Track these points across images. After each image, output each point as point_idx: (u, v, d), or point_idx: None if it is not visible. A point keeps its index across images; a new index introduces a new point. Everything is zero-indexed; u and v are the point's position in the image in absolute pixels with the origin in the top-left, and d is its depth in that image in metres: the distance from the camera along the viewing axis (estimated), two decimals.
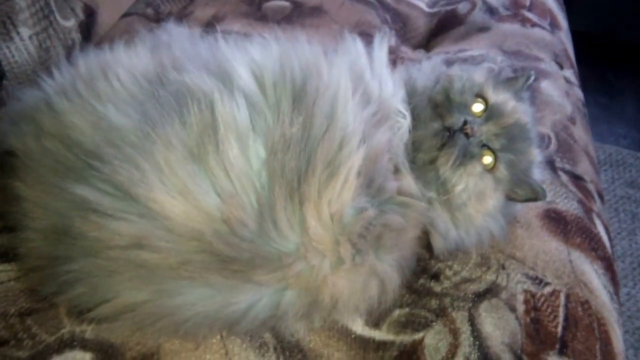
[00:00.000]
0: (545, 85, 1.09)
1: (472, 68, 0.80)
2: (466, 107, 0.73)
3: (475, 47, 1.17)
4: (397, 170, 0.71)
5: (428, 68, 0.81)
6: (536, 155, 0.76)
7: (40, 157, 0.67)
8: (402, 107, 0.74)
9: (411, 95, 0.76)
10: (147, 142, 0.61)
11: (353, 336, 0.69)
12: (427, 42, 1.26)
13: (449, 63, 0.87)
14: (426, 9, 1.31)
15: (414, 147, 0.72)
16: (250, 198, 0.61)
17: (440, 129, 0.71)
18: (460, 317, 0.69)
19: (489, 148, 0.72)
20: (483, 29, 1.23)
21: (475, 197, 0.72)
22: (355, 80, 0.72)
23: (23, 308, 0.65)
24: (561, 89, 1.10)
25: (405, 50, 1.19)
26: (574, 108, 1.08)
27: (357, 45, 0.78)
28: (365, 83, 0.73)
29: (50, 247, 0.64)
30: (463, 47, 1.17)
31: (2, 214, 0.71)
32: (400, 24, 1.25)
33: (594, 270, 0.80)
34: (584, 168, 0.96)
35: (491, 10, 1.27)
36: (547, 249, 0.79)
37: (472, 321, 0.69)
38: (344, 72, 0.71)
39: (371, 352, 0.68)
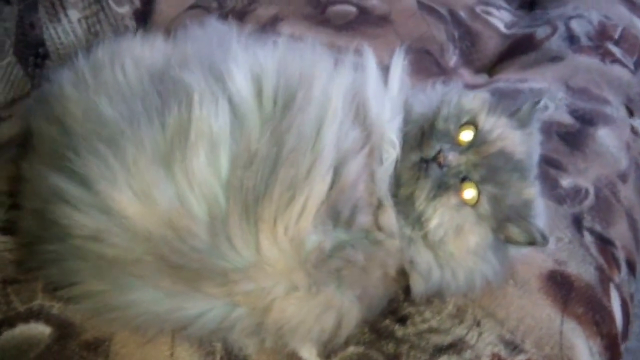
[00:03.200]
0: (604, 133, 1.02)
1: (468, 93, 0.76)
2: (448, 135, 0.70)
3: (539, 78, 1.11)
4: (380, 204, 0.69)
5: (436, 94, 0.78)
6: (531, 193, 0.71)
7: (44, 140, 0.73)
8: (396, 136, 0.71)
9: (406, 122, 0.73)
10: (122, 140, 0.64)
11: None
12: (493, 66, 1.20)
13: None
14: (503, 30, 1.26)
15: (396, 181, 0.70)
16: (204, 209, 0.62)
17: (417, 161, 0.69)
18: None
19: (471, 180, 0.68)
20: (555, 58, 1.17)
21: (453, 232, 0.68)
22: (352, 98, 0.71)
23: (8, 277, 0.72)
24: (622, 140, 1.02)
25: (464, 73, 1.15)
26: (631, 164, 1.00)
27: (369, 61, 0.76)
28: (363, 103, 0.72)
29: (35, 227, 0.70)
30: (525, 77, 1.12)
31: (13, 191, 0.77)
32: (467, 43, 1.21)
33: (587, 347, 0.75)
34: (619, 232, 0.90)
35: (571, 39, 1.19)
36: (536, 314, 0.75)
37: None
38: (339, 88, 0.70)
39: None
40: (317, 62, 0.74)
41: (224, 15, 1.16)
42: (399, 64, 0.78)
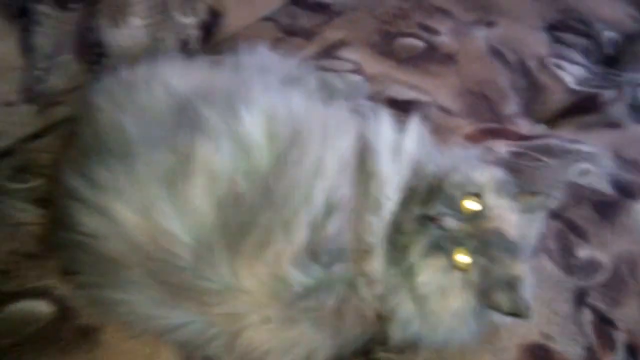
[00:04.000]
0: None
1: (480, 166, 0.80)
2: (452, 201, 0.74)
3: (592, 142, 1.08)
4: (369, 251, 0.73)
5: (451, 157, 0.82)
6: (521, 270, 0.74)
7: (79, 136, 0.83)
8: (394, 190, 0.76)
9: (417, 176, 0.78)
10: (135, 158, 0.72)
11: None
12: (555, 119, 1.18)
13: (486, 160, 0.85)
14: (570, 85, 1.24)
15: (395, 228, 0.74)
16: (193, 234, 0.69)
17: (419, 215, 0.73)
18: None
19: (465, 247, 0.72)
20: (613, 124, 1.15)
21: (439, 292, 0.73)
22: (359, 150, 0.78)
23: (28, 251, 0.81)
24: None
25: (520, 123, 1.15)
26: None
27: (385, 117, 0.82)
28: (371, 154, 0.78)
29: (57, 210, 0.79)
30: (578, 138, 1.10)
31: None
32: (531, 94, 1.21)
33: None
34: (626, 313, 0.88)
35: (635, 108, 1.15)
36: None
37: None
38: (339, 147, 0.76)
39: None
40: (329, 119, 0.80)
41: (291, 33, 1.21)
42: (416, 124, 0.81)
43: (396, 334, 0.75)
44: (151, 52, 1.03)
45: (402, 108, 1.08)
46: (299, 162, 0.73)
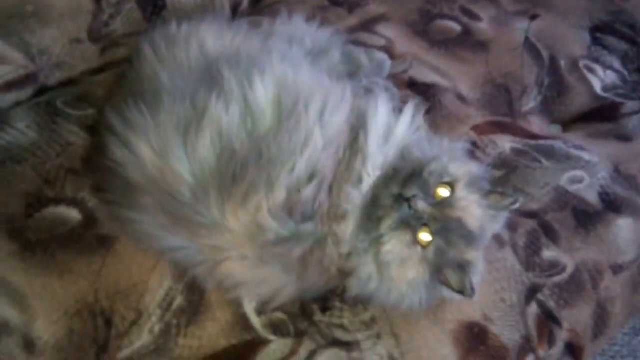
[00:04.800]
0: (624, 224, 1.07)
1: (460, 160, 0.90)
2: (427, 186, 0.85)
3: (595, 151, 1.16)
4: (343, 216, 0.86)
5: (437, 147, 0.93)
6: (473, 256, 0.86)
7: (126, 76, 0.98)
8: (375, 168, 0.88)
9: (403, 158, 0.90)
10: (161, 105, 0.87)
11: (241, 310, 0.90)
12: (570, 123, 1.25)
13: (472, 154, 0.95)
14: (597, 91, 1.30)
15: (372, 201, 0.86)
16: (195, 177, 0.84)
17: (395, 194, 0.85)
18: (307, 347, 0.87)
19: (429, 227, 0.84)
20: (623, 137, 1.20)
21: (399, 261, 0.85)
22: (352, 126, 0.90)
23: (72, 167, 0.98)
24: (639, 234, 1.06)
25: (535, 121, 1.22)
26: (638, 259, 1.05)
27: (383, 102, 0.93)
28: (363, 132, 0.90)
29: (98, 139, 0.96)
30: (584, 145, 1.17)
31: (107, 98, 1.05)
32: (554, 93, 1.27)
33: None
34: (575, 316, 0.98)
35: None
36: (434, 349, 0.89)
37: (311, 356, 0.86)
38: (333, 124, 0.88)
39: (240, 328, 0.89)
40: (331, 95, 0.91)
41: (336, 3, 1.32)
42: (410, 110, 0.92)
43: (353, 289, 0.88)
44: (205, 10, 1.16)
45: (419, 90, 1.18)
46: (291, 132, 0.85)
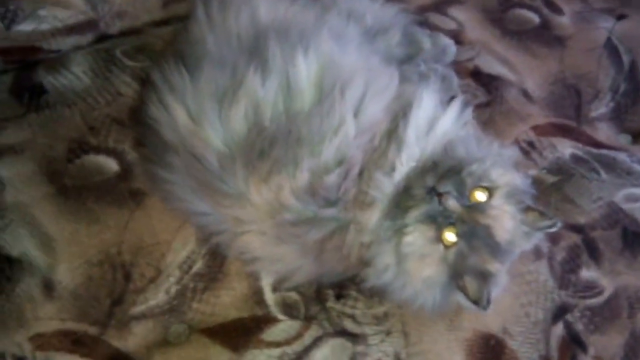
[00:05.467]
0: None
1: (504, 168, 0.86)
2: (463, 186, 0.82)
3: None
4: (370, 203, 0.84)
5: (485, 149, 0.89)
6: (496, 268, 0.82)
7: (178, 38, 0.99)
8: (407, 159, 0.85)
9: (445, 153, 0.86)
10: (202, 71, 0.87)
11: (257, 284, 0.91)
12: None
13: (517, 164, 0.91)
14: None
15: (404, 189, 0.84)
16: (225, 146, 0.84)
17: (429, 186, 0.82)
18: (313, 333, 0.87)
19: (455, 228, 0.81)
20: None
21: (418, 256, 0.82)
22: (395, 114, 0.88)
23: (122, 119, 1.01)
24: None
25: (602, 128, 1.16)
26: None
27: (430, 93, 0.90)
28: (402, 123, 0.87)
29: (145, 93, 0.98)
30: None
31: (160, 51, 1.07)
32: (629, 100, 1.19)
33: None
34: (604, 343, 0.93)
35: None
36: (443, 356, 0.87)
37: (316, 342, 0.86)
38: (368, 112, 0.86)
39: (253, 302, 0.90)
40: (374, 79, 0.88)
41: None
42: (457, 105, 0.90)
43: (370, 279, 0.86)
44: None
45: (482, 81, 1.14)
46: (324, 116, 0.83)
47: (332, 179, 0.82)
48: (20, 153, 0.96)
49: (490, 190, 0.83)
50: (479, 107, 1.10)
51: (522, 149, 1.07)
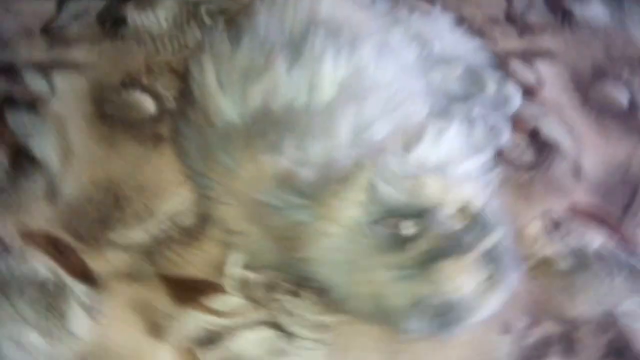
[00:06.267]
0: None
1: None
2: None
3: None
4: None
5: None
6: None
7: (244, 10, 1.05)
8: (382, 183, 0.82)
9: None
10: (242, 48, 0.93)
11: (225, 255, 0.96)
12: None
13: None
14: None
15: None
16: (231, 117, 0.89)
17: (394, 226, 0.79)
18: (251, 316, 0.92)
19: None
20: None
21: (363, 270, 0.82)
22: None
23: (175, 69, 1.10)
24: None
25: None
26: None
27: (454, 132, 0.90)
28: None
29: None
30: None
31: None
32: None
33: None
34: None
35: None
36: None
37: (249, 325, 0.91)
38: (382, 132, 0.87)
39: (215, 270, 0.96)
40: (396, 101, 0.90)
41: (512, 21, 1.24)
42: (487, 181, 0.89)
43: (320, 276, 0.85)
44: None
45: (536, 144, 1.10)
46: (327, 117, 0.85)
47: (309, 175, 0.83)
48: (76, 70, 1.07)
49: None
50: (520, 168, 1.08)
51: (546, 225, 1.02)
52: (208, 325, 0.91)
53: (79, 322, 0.91)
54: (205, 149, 0.91)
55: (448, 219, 0.78)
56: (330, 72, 0.89)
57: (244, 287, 0.93)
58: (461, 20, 1.17)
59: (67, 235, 0.97)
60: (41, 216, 0.98)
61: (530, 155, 1.09)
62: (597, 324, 0.94)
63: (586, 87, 1.17)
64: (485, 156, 0.92)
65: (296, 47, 0.91)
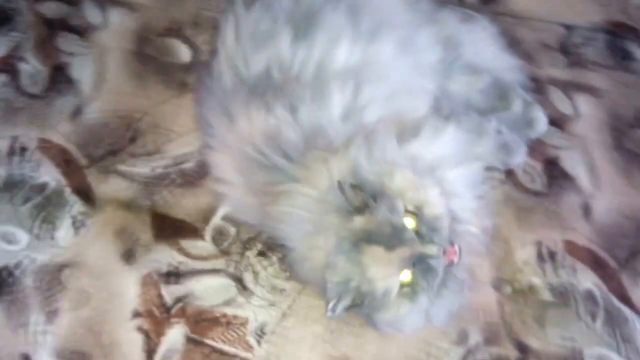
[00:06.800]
0: None
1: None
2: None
3: None
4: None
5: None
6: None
7: None
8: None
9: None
10: (279, 8, 0.96)
11: (216, 206, 1.01)
12: None
13: None
14: None
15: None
16: (242, 73, 0.93)
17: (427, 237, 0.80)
18: (217, 264, 0.96)
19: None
20: None
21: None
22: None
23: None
24: None
25: None
26: None
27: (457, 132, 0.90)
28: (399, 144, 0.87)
29: None
30: None
31: None
32: None
33: None
34: None
35: None
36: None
37: (212, 272, 0.96)
38: (375, 116, 0.89)
39: (202, 216, 1.01)
40: (397, 93, 0.92)
41: (562, 50, 1.22)
42: (472, 170, 0.90)
43: (285, 234, 0.86)
44: None
45: (551, 173, 1.09)
46: (325, 88, 0.88)
47: (294, 136, 0.86)
48: (130, 9, 1.16)
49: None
50: (527, 192, 1.06)
51: (539, 253, 1.00)
52: (177, 263, 0.95)
53: (66, 234, 0.98)
54: (215, 100, 0.96)
55: (395, 212, 0.78)
56: (342, 58, 0.91)
57: (220, 237, 0.98)
58: (513, 40, 1.16)
59: (79, 154, 1.04)
60: (62, 131, 1.05)
61: (541, 183, 1.07)
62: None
63: (622, 132, 1.14)
64: (483, 168, 0.92)
65: (308, 20, 0.93)
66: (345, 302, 0.78)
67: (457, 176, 0.88)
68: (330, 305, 0.77)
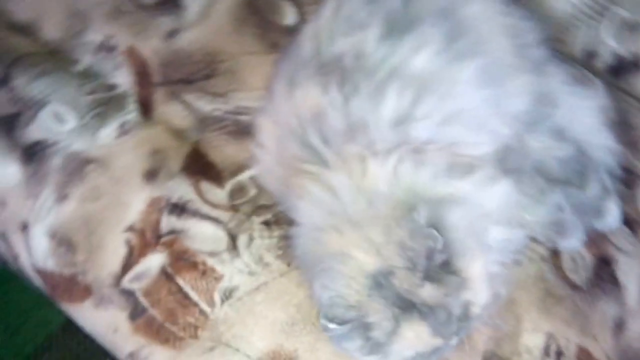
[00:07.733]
0: None
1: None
2: None
3: None
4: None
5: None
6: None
7: None
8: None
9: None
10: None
11: (248, 166, 1.02)
12: None
13: None
14: None
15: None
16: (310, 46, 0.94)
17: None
18: (221, 216, 0.97)
19: None
20: None
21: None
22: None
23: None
24: None
25: None
26: None
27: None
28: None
29: None
30: None
31: None
32: None
33: None
34: None
35: None
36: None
37: (214, 221, 0.97)
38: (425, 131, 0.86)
39: (232, 170, 1.03)
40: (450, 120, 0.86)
41: None
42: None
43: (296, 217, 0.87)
44: None
45: (598, 271, 0.99)
46: (375, 95, 0.85)
47: (339, 124, 0.85)
48: None
49: None
50: (565, 280, 0.98)
51: (547, 347, 0.93)
52: (187, 199, 0.98)
53: (109, 134, 1.04)
54: (288, 66, 0.96)
55: (462, 307, 0.75)
56: (419, 64, 0.87)
57: (235, 192, 0.99)
58: (623, 123, 1.07)
59: (158, 71, 1.09)
60: (151, 45, 1.11)
61: (584, 278, 0.98)
62: None
63: None
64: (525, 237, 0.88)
65: (405, 24, 0.90)
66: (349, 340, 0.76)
67: (492, 234, 0.82)
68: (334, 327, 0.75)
